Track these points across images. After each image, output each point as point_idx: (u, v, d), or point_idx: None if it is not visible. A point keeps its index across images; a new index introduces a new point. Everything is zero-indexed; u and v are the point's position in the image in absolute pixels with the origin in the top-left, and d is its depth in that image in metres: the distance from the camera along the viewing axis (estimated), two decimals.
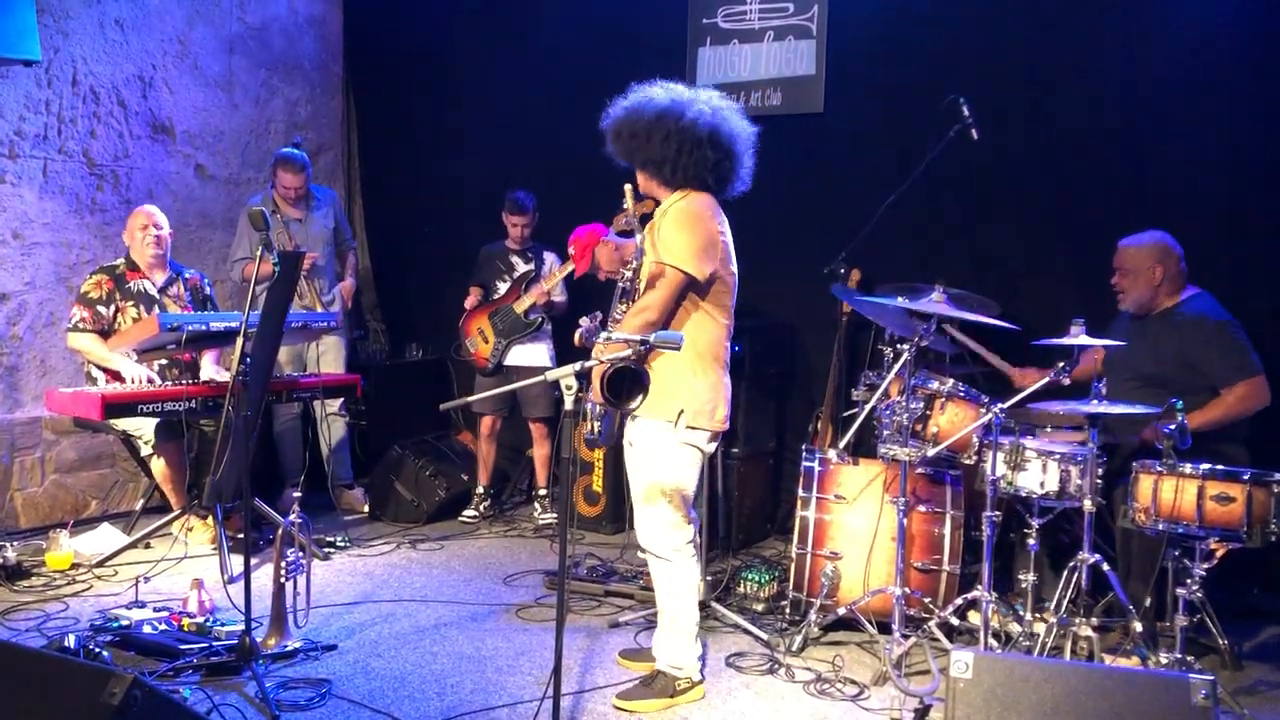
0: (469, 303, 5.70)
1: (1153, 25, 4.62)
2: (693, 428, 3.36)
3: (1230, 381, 3.86)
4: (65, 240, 5.43)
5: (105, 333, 4.80)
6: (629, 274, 3.43)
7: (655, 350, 3.14)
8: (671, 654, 3.44)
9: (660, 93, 3.41)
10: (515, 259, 5.66)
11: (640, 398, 2.93)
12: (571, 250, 5.01)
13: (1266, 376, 3.87)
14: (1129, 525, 3.58)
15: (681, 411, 3.33)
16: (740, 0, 5.60)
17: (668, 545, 3.42)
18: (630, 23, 5.95)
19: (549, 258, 5.67)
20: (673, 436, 3.35)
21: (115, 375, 4.74)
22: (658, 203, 3.50)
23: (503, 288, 5.65)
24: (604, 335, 3.23)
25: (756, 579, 4.34)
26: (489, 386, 5.48)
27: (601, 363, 2.99)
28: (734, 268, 3.44)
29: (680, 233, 3.30)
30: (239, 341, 3.57)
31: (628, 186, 3.41)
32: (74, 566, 4.56)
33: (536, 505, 5.71)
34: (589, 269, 4.85)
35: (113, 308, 4.81)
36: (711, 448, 3.47)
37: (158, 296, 4.91)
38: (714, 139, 3.34)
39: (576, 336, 3.62)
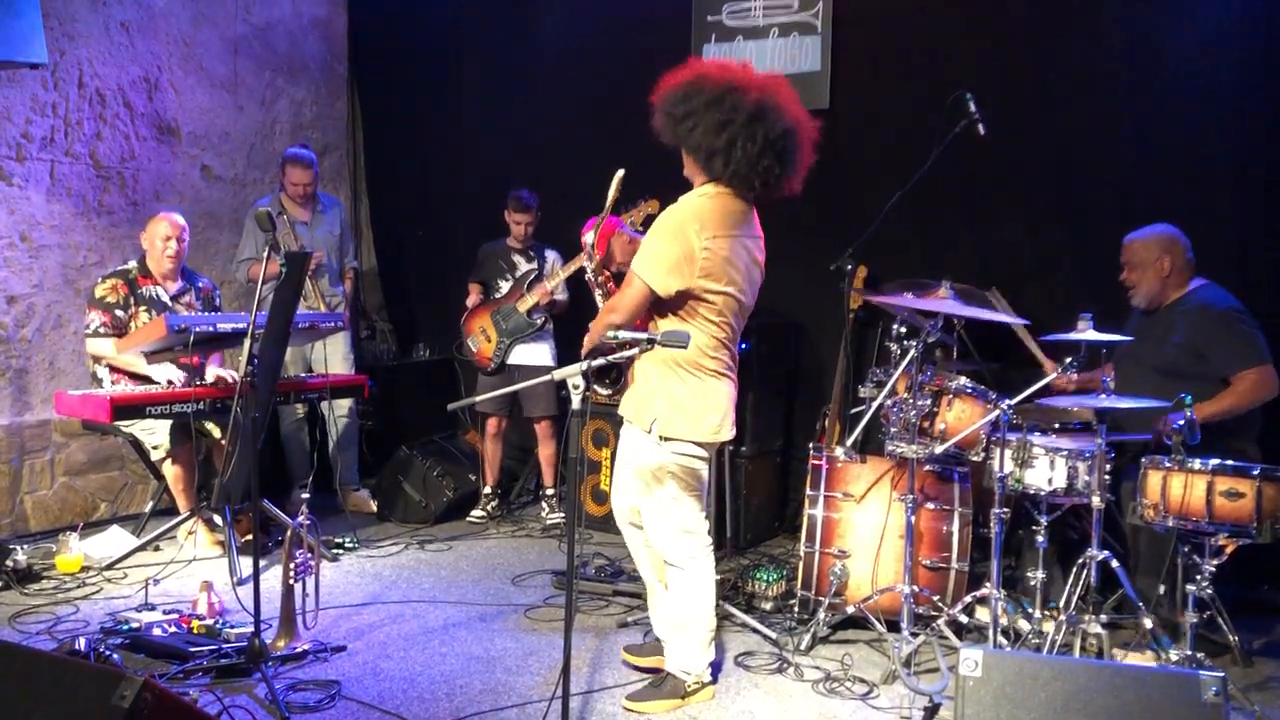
0: (470, 301, 5.70)
1: (1158, 18, 4.60)
2: (667, 438, 3.25)
3: (1236, 369, 3.83)
4: (72, 243, 5.45)
5: (122, 337, 4.80)
6: (589, 267, 3.45)
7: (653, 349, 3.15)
8: (683, 660, 3.41)
9: (716, 71, 3.18)
10: (517, 257, 5.66)
11: (618, 383, 2.97)
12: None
13: (1275, 366, 3.85)
14: (1138, 521, 3.57)
15: (654, 420, 3.25)
16: None
17: (681, 552, 3.38)
18: (635, 21, 5.95)
19: (550, 256, 5.66)
20: (650, 444, 3.28)
21: (130, 376, 4.74)
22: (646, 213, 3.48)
23: (505, 286, 5.64)
24: (610, 334, 3.21)
25: (765, 578, 4.34)
26: (491, 386, 5.48)
27: (605, 360, 3.02)
28: (732, 288, 3.22)
29: (655, 243, 3.19)
30: (246, 343, 3.57)
31: (619, 173, 3.32)
32: (84, 569, 4.58)
33: (544, 505, 5.71)
34: (603, 260, 4.84)
35: (128, 312, 4.81)
36: (703, 455, 3.34)
37: (170, 304, 4.90)
38: (768, 136, 3.11)
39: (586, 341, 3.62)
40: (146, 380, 4.69)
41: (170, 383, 4.62)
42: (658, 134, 3.29)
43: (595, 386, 3.06)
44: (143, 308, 4.84)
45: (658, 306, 3.25)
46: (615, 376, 3.12)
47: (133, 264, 4.93)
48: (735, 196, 3.25)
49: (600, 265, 3.57)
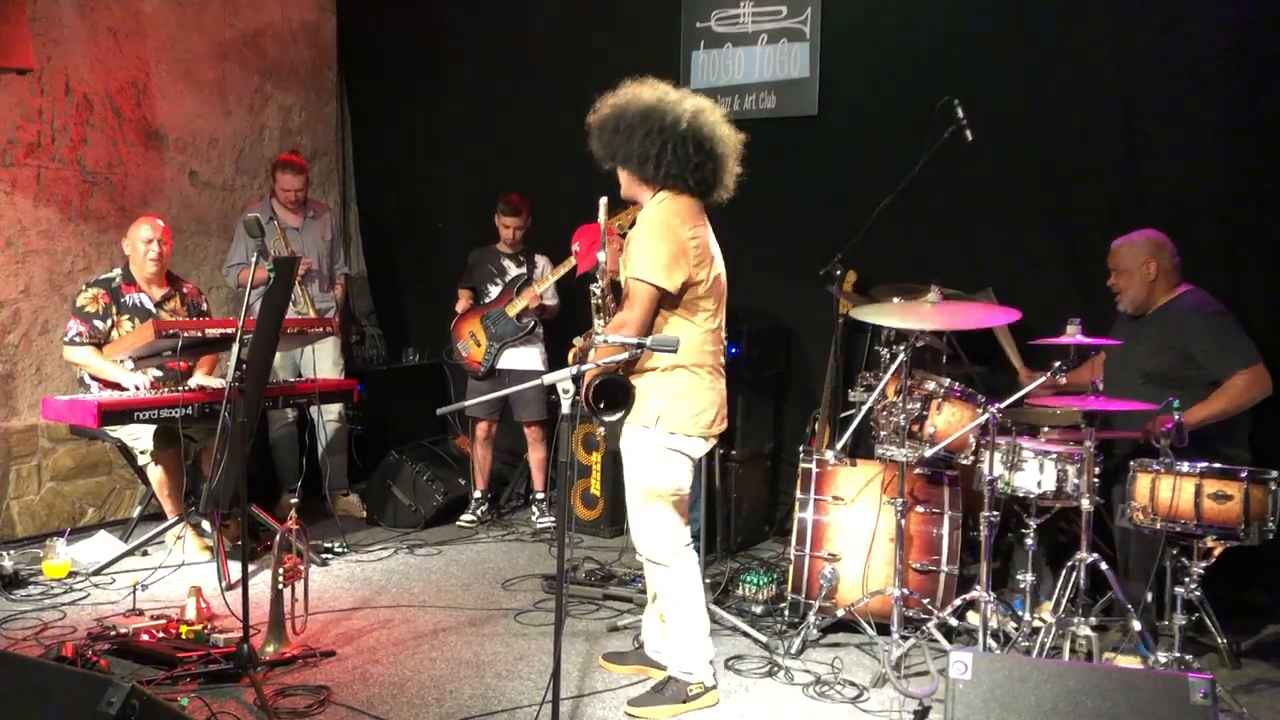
0: (459, 306, 5.69)
1: (1148, 24, 4.62)
2: (673, 433, 3.32)
3: (1230, 372, 3.84)
4: (60, 248, 5.42)
5: (102, 346, 4.77)
6: (598, 291, 3.45)
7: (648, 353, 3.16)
8: (681, 659, 3.42)
9: (647, 91, 3.39)
10: (507, 262, 5.65)
11: (623, 412, 2.99)
12: (576, 247, 4.97)
13: (1266, 366, 3.86)
14: (1127, 524, 3.59)
15: (659, 417, 3.30)
16: (733, 4, 5.59)
17: (665, 550, 3.40)
18: (624, 27, 5.96)
19: (541, 261, 5.66)
20: (654, 441, 3.33)
21: (113, 384, 4.72)
22: (635, 215, 3.49)
23: (494, 291, 5.64)
24: (600, 338, 3.23)
25: (755, 581, 4.34)
26: (482, 390, 5.48)
27: (596, 366, 3.01)
28: (715, 271, 3.39)
29: (647, 245, 3.27)
30: (235, 348, 3.56)
31: (603, 200, 3.42)
32: (71, 575, 4.55)
33: (534, 509, 5.70)
34: (592, 267, 4.84)
35: (109, 322, 4.78)
36: (700, 453, 3.44)
37: (155, 311, 4.86)
38: (697, 138, 3.30)
39: (570, 356, 3.61)
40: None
41: (135, 388, 4.59)
42: (596, 158, 3.45)
43: (603, 417, 3.06)
44: (125, 316, 4.80)
45: (663, 308, 3.31)
46: (619, 401, 3.10)
47: (116, 272, 4.89)
48: (685, 195, 3.38)
49: (600, 275, 3.54)
